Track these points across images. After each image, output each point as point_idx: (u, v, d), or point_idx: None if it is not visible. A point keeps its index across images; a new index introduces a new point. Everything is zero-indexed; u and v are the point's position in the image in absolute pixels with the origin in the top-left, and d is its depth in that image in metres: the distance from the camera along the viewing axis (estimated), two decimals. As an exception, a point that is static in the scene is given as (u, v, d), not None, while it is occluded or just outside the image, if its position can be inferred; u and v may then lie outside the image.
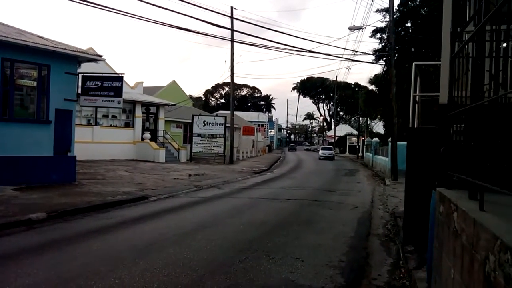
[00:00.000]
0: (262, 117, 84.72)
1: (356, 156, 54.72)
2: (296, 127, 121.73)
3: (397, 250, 7.55)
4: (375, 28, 36.30)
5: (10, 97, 13.22)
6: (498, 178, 2.58)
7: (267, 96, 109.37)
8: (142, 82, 35.21)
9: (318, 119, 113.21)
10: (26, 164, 13.39)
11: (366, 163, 40.62)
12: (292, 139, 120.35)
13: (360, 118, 62.70)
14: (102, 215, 9.97)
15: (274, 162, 37.97)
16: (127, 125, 30.48)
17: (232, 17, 28.99)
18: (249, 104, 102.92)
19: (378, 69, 63.03)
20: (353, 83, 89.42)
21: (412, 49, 32.50)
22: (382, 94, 36.39)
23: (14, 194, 11.68)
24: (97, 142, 26.95)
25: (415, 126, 9.44)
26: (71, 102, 14.80)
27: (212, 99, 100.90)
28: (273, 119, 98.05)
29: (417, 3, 33.78)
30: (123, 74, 17.72)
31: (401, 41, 32.40)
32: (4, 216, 8.68)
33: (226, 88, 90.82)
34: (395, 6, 29.04)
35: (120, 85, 16.93)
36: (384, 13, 33.79)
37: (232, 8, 29.82)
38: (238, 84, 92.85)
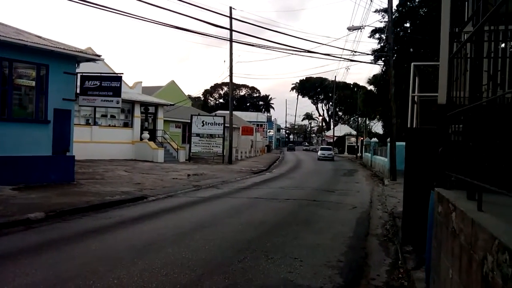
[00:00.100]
0: (261, 117, 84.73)
1: (355, 156, 54.73)
2: (295, 127, 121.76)
3: (396, 250, 7.56)
4: (374, 28, 36.36)
5: (9, 96, 13.21)
6: (497, 178, 2.59)
7: (266, 96, 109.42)
8: (141, 82, 35.21)
9: (317, 119, 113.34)
10: (25, 164, 13.38)
11: (365, 163, 40.64)
12: (291, 139, 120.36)
13: (359, 118, 62.73)
14: (101, 215, 9.96)
15: (273, 162, 37.97)
16: (125, 125, 30.46)
17: (231, 17, 28.98)
18: (248, 104, 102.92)
19: (377, 69, 63.23)
20: (352, 83, 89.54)
21: (411, 50, 32.52)
22: (381, 94, 36.42)
23: (13, 193, 11.67)
24: (96, 142, 26.93)
25: (414, 126, 9.44)
26: (70, 102, 14.78)
27: (211, 99, 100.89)
28: (272, 119, 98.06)
29: (416, 3, 33.81)
30: (122, 74, 17.73)
31: (400, 41, 32.43)
32: (3, 216, 8.67)
33: (225, 88, 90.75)
34: (394, 7, 29.13)
35: (118, 85, 16.91)
36: (383, 13, 33.85)
37: (231, 8, 29.81)
38: (237, 84, 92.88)
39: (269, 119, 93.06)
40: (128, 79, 55.05)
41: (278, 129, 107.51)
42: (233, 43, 31.18)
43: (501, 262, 1.96)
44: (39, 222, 8.74)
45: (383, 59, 32.54)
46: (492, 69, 3.39)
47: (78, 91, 16.19)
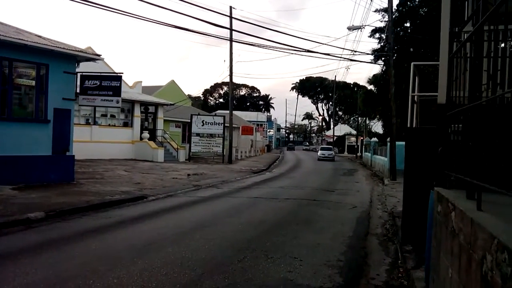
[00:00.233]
0: (261, 116, 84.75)
1: (355, 156, 54.73)
2: (295, 127, 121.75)
3: (396, 250, 7.56)
4: (374, 28, 36.38)
5: (9, 96, 13.21)
6: (496, 178, 2.59)
7: (266, 96, 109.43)
8: (141, 82, 35.21)
9: (317, 119, 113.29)
10: (25, 164, 13.38)
11: (365, 163, 40.64)
12: (291, 139, 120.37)
13: (359, 118, 62.72)
14: (101, 215, 9.97)
15: (273, 162, 37.98)
16: (125, 124, 30.46)
17: (231, 17, 28.99)
18: (248, 104, 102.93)
19: (377, 69, 63.22)
20: (352, 83, 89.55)
21: (411, 49, 32.53)
22: (381, 94, 36.42)
23: (13, 193, 11.67)
24: (96, 141, 26.93)
25: (414, 126, 9.44)
26: (70, 101, 14.78)
27: (211, 98, 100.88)
28: (272, 118, 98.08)
29: (416, 3, 33.82)
30: (122, 73, 17.75)
31: (400, 41, 32.43)
32: (3, 216, 8.67)
33: (225, 88, 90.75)
34: (394, 6, 29.12)
35: (118, 85, 16.91)
36: (383, 13, 33.85)
37: (231, 7, 29.83)
38: (237, 84, 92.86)
39: (269, 119, 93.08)
40: (128, 79, 55.02)
41: (278, 128, 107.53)
42: (233, 43, 31.19)
43: (500, 262, 1.96)
44: (39, 222, 8.75)
45: (383, 58, 32.53)
46: (492, 68, 3.39)
47: (78, 90, 16.18)
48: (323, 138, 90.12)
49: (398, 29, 33.04)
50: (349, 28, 26.71)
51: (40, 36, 14.86)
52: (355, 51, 61.84)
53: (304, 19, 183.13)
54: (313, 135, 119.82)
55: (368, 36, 37.47)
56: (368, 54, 39.57)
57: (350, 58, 49.98)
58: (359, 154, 52.49)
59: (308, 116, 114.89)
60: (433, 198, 4.37)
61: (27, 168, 13.43)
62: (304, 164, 37.76)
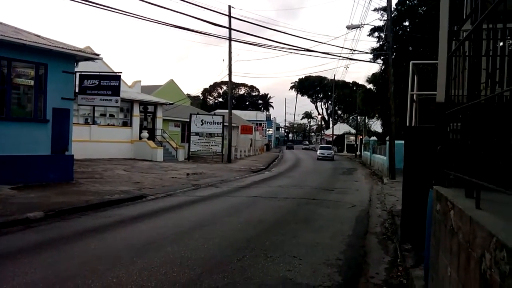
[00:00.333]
0: (260, 116, 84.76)
1: (354, 154, 54.77)
2: (294, 126, 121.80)
3: (395, 249, 7.57)
4: (373, 27, 36.39)
5: (8, 96, 13.19)
6: (495, 176, 2.59)
7: (265, 95, 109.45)
8: (140, 81, 35.19)
9: (316, 118, 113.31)
10: (24, 163, 13.37)
11: (364, 162, 40.67)
12: (290, 138, 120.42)
13: (358, 117, 62.78)
14: (100, 214, 9.96)
15: (272, 161, 37.97)
16: (125, 124, 30.44)
17: (230, 16, 28.98)
18: (247, 103, 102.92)
19: (376, 68, 63.24)
20: (351, 82, 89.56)
21: (410, 48, 32.54)
22: (380, 93, 36.44)
23: (12, 193, 11.66)
24: (95, 141, 26.90)
25: (413, 124, 9.45)
26: (69, 101, 14.76)
27: (210, 98, 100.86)
28: (271, 118, 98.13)
29: (415, 2, 33.81)
30: (121, 73, 17.75)
31: (399, 40, 32.43)
32: (2, 215, 8.66)
33: (224, 87, 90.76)
34: (393, 5, 29.10)
35: (117, 84, 16.90)
36: (382, 12, 33.81)
37: (230, 7, 29.81)
38: (236, 83, 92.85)
39: (268, 118, 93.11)
40: (127, 78, 55.03)
41: (277, 128, 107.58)
42: (232, 42, 31.19)
43: (499, 260, 1.96)
44: (38, 222, 8.74)
45: (382, 57, 32.53)
46: (491, 67, 3.39)
47: (77, 90, 16.17)
48: (322, 137, 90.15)
49: (397, 28, 33.04)
50: (348, 27, 26.72)
51: (39, 36, 14.84)
52: (354, 50, 61.91)
53: (303, 18, 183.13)
54: (312, 134, 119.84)
55: (367, 35, 37.50)
56: (367, 53, 39.60)
57: (349, 57, 50.05)
58: (358, 153, 52.52)
59: (307, 115, 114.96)
60: (432, 196, 4.37)
61: (26, 167, 13.41)
62: (303, 163, 37.77)
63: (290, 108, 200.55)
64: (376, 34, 36.04)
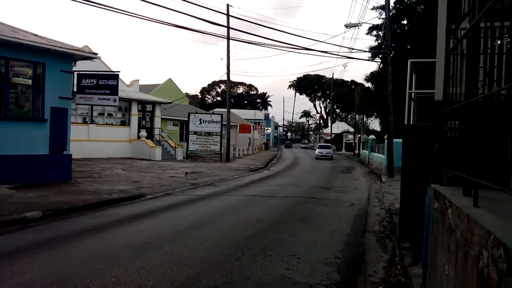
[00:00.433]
0: (259, 114, 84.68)
1: (352, 153, 54.78)
2: (293, 124, 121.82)
3: (393, 247, 7.58)
4: (371, 25, 36.34)
5: (5, 95, 13.15)
6: (492, 174, 2.59)
7: (264, 94, 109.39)
8: (138, 80, 35.13)
9: (315, 116, 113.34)
10: (22, 163, 13.34)
11: (362, 160, 40.69)
12: (289, 137, 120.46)
13: (357, 116, 62.82)
14: (98, 214, 9.95)
15: (270, 160, 37.98)
16: (123, 123, 30.40)
17: (228, 15, 28.93)
18: (245, 102, 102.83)
19: (374, 66, 63.13)
20: (349, 80, 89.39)
21: (408, 47, 32.56)
22: (378, 92, 36.45)
23: (10, 192, 11.64)
24: (93, 140, 26.87)
25: (411, 123, 9.45)
26: (67, 100, 14.74)
27: (209, 97, 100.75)
28: (269, 116, 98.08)
29: (413, 0, 33.82)
30: (119, 72, 17.69)
31: (397, 38, 32.44)
32: (0, 215, 8.64)
33: (223, 86, 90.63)
34: (391, 4, 29.10)
35: (116, 83, 16.88)
36: (380, 10, 33.79)
37: (228, 5, 29.78)
38: (235, 82, 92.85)
39: (266, 117, 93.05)
40: (125, 77, 55.02)
41: (276, 126, 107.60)
42: (230, 41, 31.19)
43: (496, 258, 1.96)
44: (36, 221, 8.73)
45: (380, 56, 32.57)
46: (488, 65, 3.39)
47: (75, 89, 16.14)
48: (321, 135, 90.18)
49: (395, 26, 33.05)
50: (346, 26, 26.72)
51: (36, 35, 14.81)
52: (353, 49, 61.92)
53: (301, 17, 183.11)
54: (311, 133, 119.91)
55: (366, 34, 37.62)
56: (365, 51, 39.65)
57: (348, 55, 49.98)
58: (356, 151, 52.53)
59: (306, 114, 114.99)
60: (430, 195, 4.37)
61: (24, 167, 13.39)
62: (302, 162, 37.78)
63: (288, 107, 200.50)
64: (374, 32, 36.05)
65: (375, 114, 50.27)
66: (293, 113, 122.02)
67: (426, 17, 27.74)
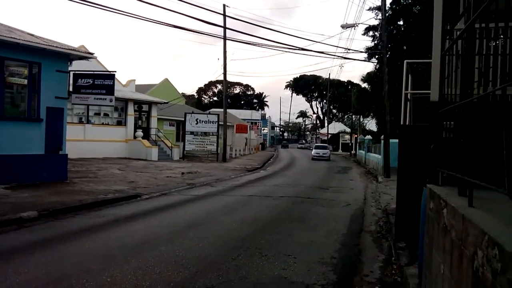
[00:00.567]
0: (255, 115, 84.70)
1: (349, 153, 54.90)
2: (290, 125, 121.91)
3: (389, 247, 7.60)
4: (367, 26, 36.45)
5: (1, 95, 13.07)
6: (487, 174, 2.61)
7: (260, 94, 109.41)
8: (134, 80, 35.04)
9: (311, 117, 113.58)
10: (17, 163, 13.29)
11: (359, 161, 40.75)
12: (286, 137, 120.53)
13: (353, 116, 62.96)
14: (94, 214, 9.92)
15: (267, 160, 37.98)
16: (119, 123, 30.33)
17: (224, 15, 28.93)
18: (242, 102, 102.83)
19: (370, 67, 63.25)
20: (346, 81, 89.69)
21: (404, 47, 32.62)
22: (374, 92, 36.50)
23: (5, 192, 11.59)
24: (89, 140, 26.80)
25: (407, 123, 9.49)
26: (63, 100, 14.68)
27: (205, 97, 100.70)
28: (266, 117, 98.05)
29: (410, 1, 33.90)
30: (115, 72, 17.64)
31: (393, 39, 32.51)
32: (-5, 215, 8.60)
33: (219, 86, 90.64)
34: (388, 4, 29.20)
35: (112, 83, 16.83)
36: (376, 11, 33.87)
37: (224, 6, 29.74)
38: (231, 82, 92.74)
39: (263, 117, 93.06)
40: (122, 77, 54.86)
41: (273, 127, 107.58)
42: (227, 41, 31.12)
43: (490, 258, 1.97)
44: (32, 221, 8.69)
45: (376, 56, 32.62)
46: (483, 66, 3.41)
47: (71, 89, 16.09)
48: (318, 136, 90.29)
49: (392, 27, 33.13)
50: (343, 26, 26.73)
51: (32, 35, 14.75)
52: (349, 49, 62.01)
53: (298, 17, 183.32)
54: (308, 133, 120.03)
55: (362, 34, 37.50)
56: (362, 52, 39.62)
57: (344, 56, 50.08)
58: (353, 152, 52.65)
59: (303, 114, 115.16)
60: (425, 195, 4.39)
61: (19, 167, 13.33)
62: (299, 162, 37.79)
63: (285, 107, 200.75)
64: (370, 33, 36.13)
65: (371, 114, 50.30)
66: (289, 113, 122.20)
67: (422, 18, 27.81)
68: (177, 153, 31.85)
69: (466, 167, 2.86)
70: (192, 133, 33.13)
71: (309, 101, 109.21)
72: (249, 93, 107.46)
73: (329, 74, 77.88)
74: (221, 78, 34.39)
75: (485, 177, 2.53)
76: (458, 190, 3.24)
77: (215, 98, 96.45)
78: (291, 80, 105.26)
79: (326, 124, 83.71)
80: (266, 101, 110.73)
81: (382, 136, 24.33)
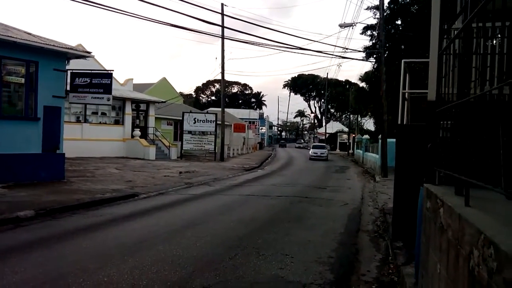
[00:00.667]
0: (253, 114, 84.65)
1: (346, 153, 54.91)
2: (287, 124, 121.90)
3: (386, 246, 7.61)
4: (365, 25, 36.42)
5: (-3, 94, 13.04)
6: (484, 174, 2.61)
7: (258, 93, 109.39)
8: (132, 79, 34.94)
9: (309, 116, 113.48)
10: (14, 162, 13.25)
11: (356, 160, 40.79)
12: (283, 137, 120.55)
13: (351, 115, 62.92)
14: (91, 213, 9.91)
15: (265, 159, 37.98)
16: (117, 122, 30.27)
17: (222, 14, 28.92)
18: (240, 101, 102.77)
19: (368, 66, 63.29)
20: (344, 80, 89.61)
21: (402, 47, 32.64)
22: (372, 91, 36.53)
23: (2, 191, 11.55)
24: (87, 139, 26.75)
25: (405, 123, 9.49)
26: (60, 99, 14.65)
27: (203, 96, 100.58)
28: (264, 116, 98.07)
29: (408, 0, 33.93)
30: (113, 70, 17.58)
31: (391, 38, 32.54)
32: (-8, 214, 8.58)
33: (217, 85, 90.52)
34: (386, 4, 29.18)
35: (109, 82, 16.79)
36: (374, 10, 33.85)
37: (222, 5, 29.73)
38: (229, 81, 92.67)
39: (261, 116, 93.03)
40: (119, 76, 54.83)
41: (270, 126, 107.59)
42: (225, 40, 31.13)
43: (486, 257, 1.97)
44: (29, 220, 8.67)
45: (374, 56, 32.65)
46: (481, 65, 3.41)
47: (68, 88, 16.05)
48: (315, 135, 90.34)
49: (390, 26, 33.13)
50: (341, 26, 26.77)
51: (29, 34, 14.70)
52: (347, 49, 62.05)
53: (296, 17, 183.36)
54: (305, 132, 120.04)
55: (360, 34, 37.66)
56: (360, 51, 39.74)
57: (342, 55, 50.13)
58: (351, 151, 52.66)
59: (300, 113, 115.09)
60: (422, 194, 4.39)
61: (16, 166, 13.29)
62: (296, 162, 37.81)
63: (283, 106, 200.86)
64: (368, 32, 36.10)
65: (369, 114, 50.29)
66: (287, 113, 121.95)
67: (420, 17, 27.83)
68: (175, 153, 31.82)
69: (462, 166, 2.86)
70: (190, 132, 33.09)
71: (307, 100, 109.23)
72: (247, 92, 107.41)
73: (327, 73, 78.13)
74: (219, 77, 34.39)
75: (482, 176, 2.53)
76: (455, 189, 3.24)
77: (213, 98, 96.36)
78: (289, 80, 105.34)
79: (324, 124, 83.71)
80: (264, 101, 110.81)
81: (380, 136, 24.35)
